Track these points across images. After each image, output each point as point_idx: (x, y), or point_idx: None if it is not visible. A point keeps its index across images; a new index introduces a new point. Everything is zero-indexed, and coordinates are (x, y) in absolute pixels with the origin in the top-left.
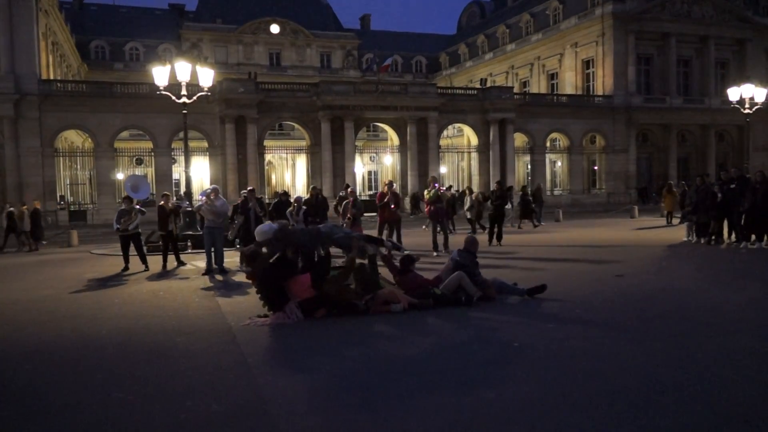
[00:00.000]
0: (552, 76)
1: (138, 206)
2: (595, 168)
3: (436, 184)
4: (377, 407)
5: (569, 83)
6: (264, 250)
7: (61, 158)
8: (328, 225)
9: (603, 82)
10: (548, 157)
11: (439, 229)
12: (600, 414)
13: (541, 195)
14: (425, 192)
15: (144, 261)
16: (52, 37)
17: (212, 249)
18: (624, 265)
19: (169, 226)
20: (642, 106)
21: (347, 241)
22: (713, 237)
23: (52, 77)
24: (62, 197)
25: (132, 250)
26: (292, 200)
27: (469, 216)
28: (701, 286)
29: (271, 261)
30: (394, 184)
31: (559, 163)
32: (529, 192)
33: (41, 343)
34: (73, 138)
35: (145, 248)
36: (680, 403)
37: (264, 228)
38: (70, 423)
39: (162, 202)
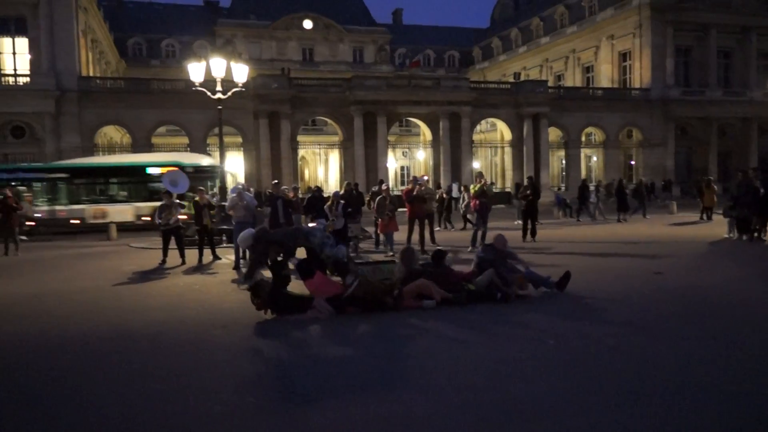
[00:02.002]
0: (587, 69)
1: (178, 201)
2: (632, 163)
3: (483, 179)
4: (408, 402)
5: (605, 76)
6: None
7: (100, 153)
8: (311, 227)
9: (640, 75)
10: (583, 151)
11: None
12: (632, 413)
13: (643, 189)
14: (471, 186)
15: (182, 255)
16: (92, 35)
17: None
18: (662, 261)
19: (203, 220)
20: (680, 98)
21: (321, 247)
22: (755, 233)
23: (91, 74)
24: None
25: (172, 243)
26: (325, 195)
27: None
28: (742, 284)
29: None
30: (425, 178)
31: (594, 158)
32: (625, 185)
33: (81, 333)
34: (112, 134)
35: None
36: (715, 403)
37: (245, 235)
38: (107, 411)
39: (197, 198)
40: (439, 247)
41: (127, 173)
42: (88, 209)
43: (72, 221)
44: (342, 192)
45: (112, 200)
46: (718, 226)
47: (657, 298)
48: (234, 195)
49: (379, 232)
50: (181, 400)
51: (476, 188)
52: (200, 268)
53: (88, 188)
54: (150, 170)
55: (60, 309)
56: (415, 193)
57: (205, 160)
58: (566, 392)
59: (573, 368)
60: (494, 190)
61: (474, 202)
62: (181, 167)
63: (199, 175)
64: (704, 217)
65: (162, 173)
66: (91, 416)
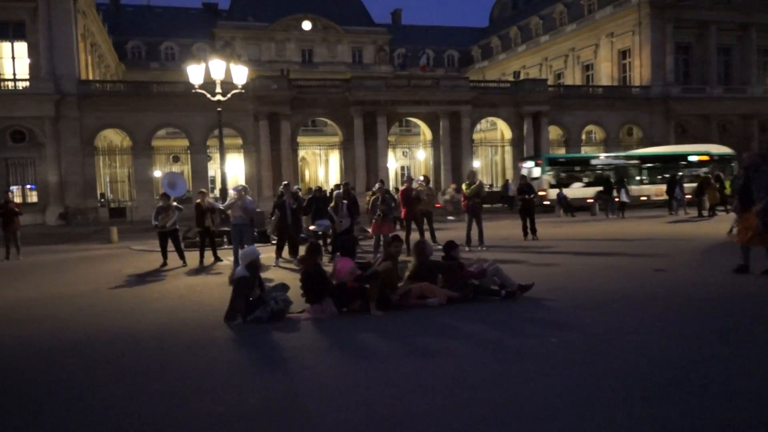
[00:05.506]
0: (587, 68)
1: (175, 203)
2: None
3: (478, 179)
4: (410, 401)
5: (605, 74)
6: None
7: (101, 157)
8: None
9: (640, 73)
10: (584, 149)
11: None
12: (637, 412)
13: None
14: (463, 186)
15: (182, 257)
16: (91, 39)
17: (240, 246)
18: (664, 259)
19: (205, 223)
20: (680, 96)
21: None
22: None
23: (91, 78)
24: (102, 195)
25: (170, 246)
26: (327, 195)
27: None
28: (745, 280)
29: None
30: (421, 178)
31: None
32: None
33: (83, 337)
34: (112, 137)
35: (182, 244)
36: (720, 401)
37: (249, 252)
38: (110, 415)
39: (199, 200)
40: (439, 246)
41: (675, 160)
42: (652, 189)
43: (641, 198)
44: (342, 192)
45: (664, 182)
46: (720, 223)
47: (659, 295)
48: (233, 194)
49: (371, 232)
50: (184, 402)
51: (471, 189)
52: (201, 269)
53: (652, 172)
54: (690, 158)
55: (62, 312)
56: (413, 195)
57: (726, 150)
58: (569, 391)
59: (576, 366)
60: (489, 190)
61: (465, 202)
62: (710, 156)
63: (723, 163)
64: (707, 213)
65: (698, 160)
66: (93, 418)
